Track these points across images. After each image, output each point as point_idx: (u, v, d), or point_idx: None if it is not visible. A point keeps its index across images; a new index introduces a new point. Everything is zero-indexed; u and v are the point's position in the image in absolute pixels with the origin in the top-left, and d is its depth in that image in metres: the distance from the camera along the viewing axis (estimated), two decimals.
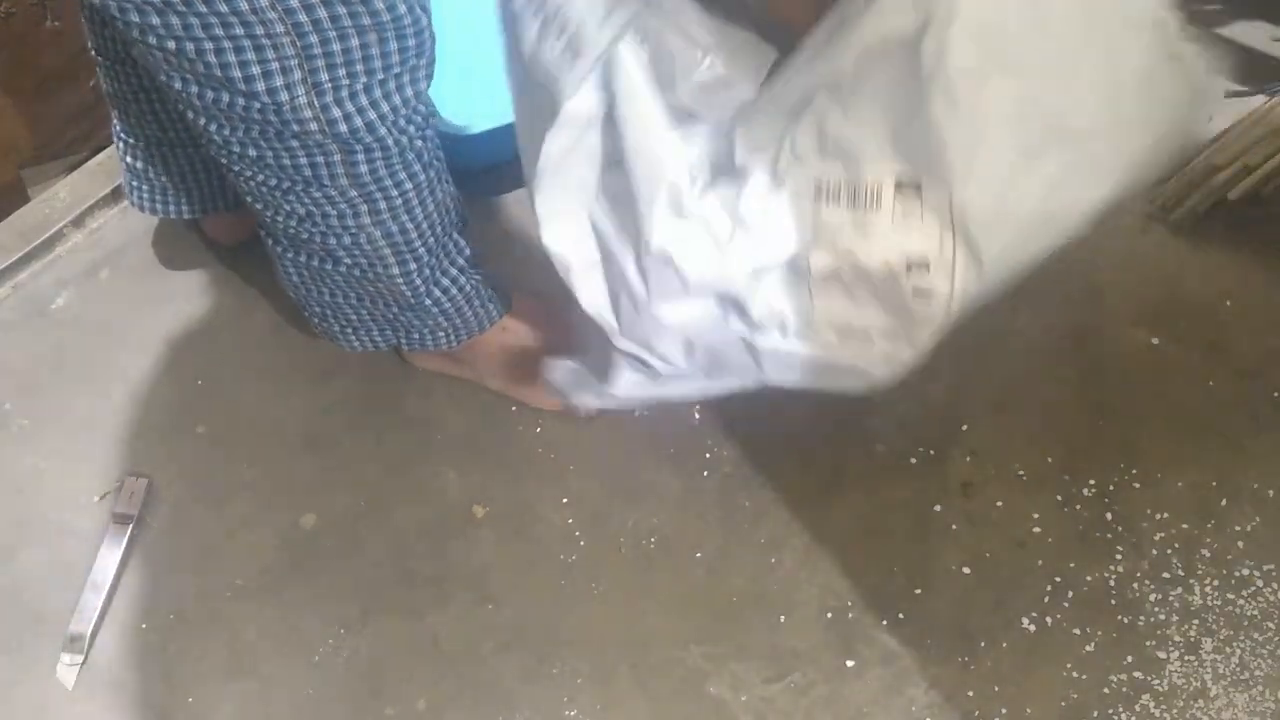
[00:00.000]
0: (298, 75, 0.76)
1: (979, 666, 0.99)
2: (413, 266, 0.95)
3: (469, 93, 1.30)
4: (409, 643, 1.00)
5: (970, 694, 0.98)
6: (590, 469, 1.09)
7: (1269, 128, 1.16)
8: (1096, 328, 1.17)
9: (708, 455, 1.09)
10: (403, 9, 0.77)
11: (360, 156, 0.84)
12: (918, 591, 1.03)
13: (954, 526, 1.06)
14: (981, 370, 1.15)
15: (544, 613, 1.01)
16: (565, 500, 1.07)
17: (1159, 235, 1.24)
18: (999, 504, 1.07)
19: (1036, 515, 1.07)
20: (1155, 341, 1.17)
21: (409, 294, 0.97)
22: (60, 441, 1.10)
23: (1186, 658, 0.99)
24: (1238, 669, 0.99)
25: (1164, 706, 0.97)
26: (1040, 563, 1.04)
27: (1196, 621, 1.01)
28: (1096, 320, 1.18)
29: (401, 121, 0.84)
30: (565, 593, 1.02)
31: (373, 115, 0.81)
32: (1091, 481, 1.08)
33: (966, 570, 1.04)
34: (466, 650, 1.00)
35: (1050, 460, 1.09)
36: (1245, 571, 1.04)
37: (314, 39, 0.75)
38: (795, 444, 1.10)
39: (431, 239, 0.95)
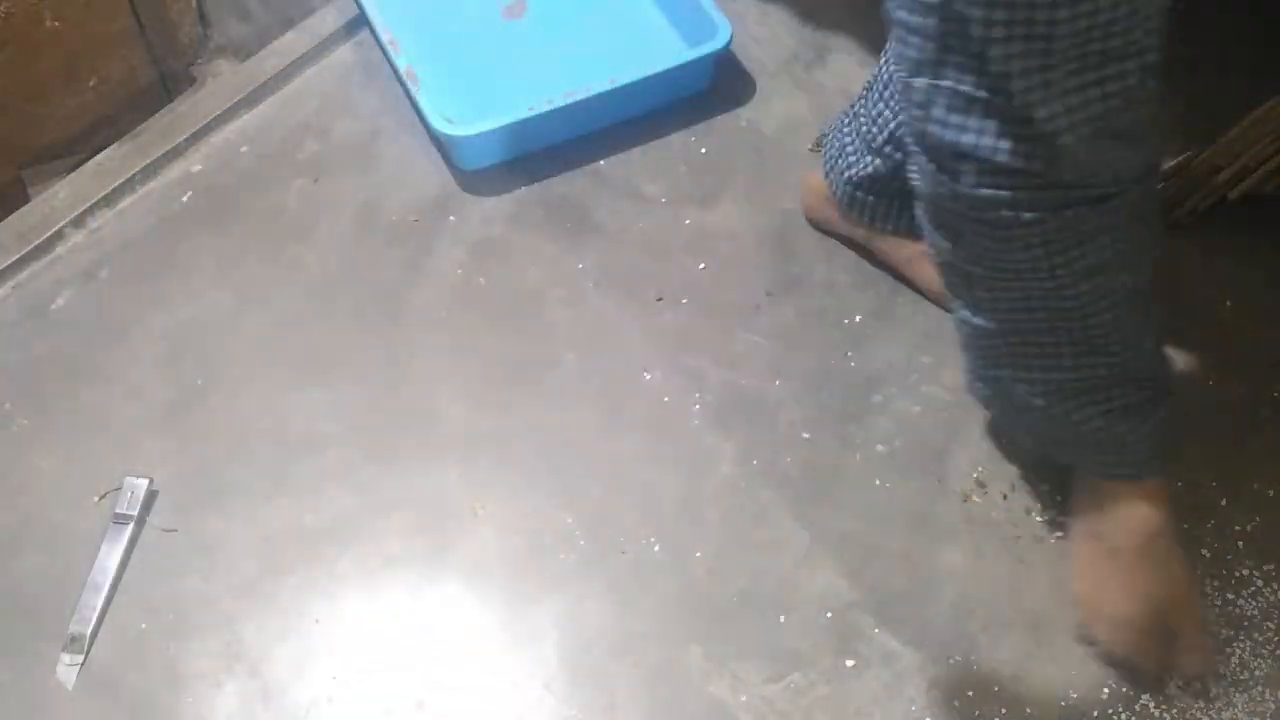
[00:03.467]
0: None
1: (979, 666, 0.99)
2: None
3: (465, 95, 1.30)
4: (409, 642, 1.00)
5: (970, 694, 0.98)
6: (592, 468, 1.09)
7: (1269, 128, 1.16)
8: None
9: (708, 455, 1.09)
10: None
11: None
12: (918, 592, 1.03)
13: (954, 526, 1.06)
14: None
15: (544, 613, 1.01)
16: (565, 500, 1.07)
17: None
18: (999, 504, 1.07)
19: (1036, 515, 1.06)
20: None
21: None
22: (60, 441, 1.10)
23: None
24: (1238, 669, 0.99)
25: (1164, 706, 0.97)
26: (1040, 562, 1.04)
27: None
28: None
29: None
30: (565, 592, 1.02)
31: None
32: None
33: (966, 570, 1.04)
34: (467, 650, 1.00)
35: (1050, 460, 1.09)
36: (1245, 571, 1.04)
37: None
38: (795, 444, 1.10)
39: None
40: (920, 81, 0.74)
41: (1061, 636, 1.00)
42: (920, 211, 0.85)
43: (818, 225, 1.22)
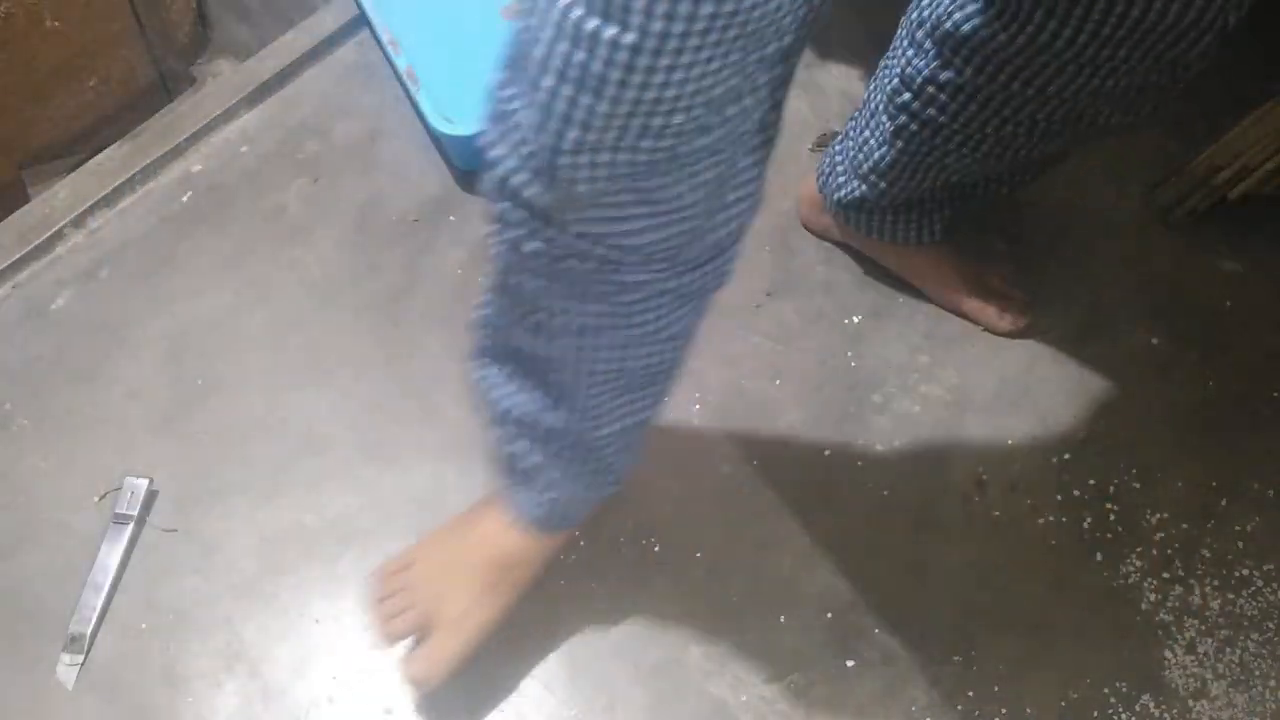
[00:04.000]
0: None
1: (979, 666, 0.99)
2: None
3: (465, 94, 1.30)
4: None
5: (970, 694, 0.98)
6: None
7: (1269, 128, 1.16)
8: (1096, 327, 1.17)
9: (708, 455, 1.09)
10: None
11: None
12: (918, 592, 1.03)
13: (954, 526, 1.06)
14: (981, 370, 1.15)
15: (544, 613, 1.01)
16: None
17: (1159, 235, 1.24)
18: (999, 504, 1.07)
19: (1036, 515, 1.07)
20: (1155, 341, 1.17)
21: None
22: (60, 441, 1.10)
23: (1186, 658, 1.00)
24: (1238, 669, 0.99)
25: (1164, 706, 0.97)
26: (1040, 562, 1.04)
27: (1196, 621, 1.01)
28: (1096, 320, 1.18)
29: None
30: (565, 593, 1.02)
31: None
32: (1091, 481, 1.08)
33: (966, 570, 1.04)
34: None
35: (1050, 460, 1.10)
36: (1245, 571, 1.04)
37: None
38: (795, 444, 1.10)
39: None
40: (497, 74, 0.66)
41: (1062, 636, 1.00)
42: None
43: (814, 232, 1.22)
